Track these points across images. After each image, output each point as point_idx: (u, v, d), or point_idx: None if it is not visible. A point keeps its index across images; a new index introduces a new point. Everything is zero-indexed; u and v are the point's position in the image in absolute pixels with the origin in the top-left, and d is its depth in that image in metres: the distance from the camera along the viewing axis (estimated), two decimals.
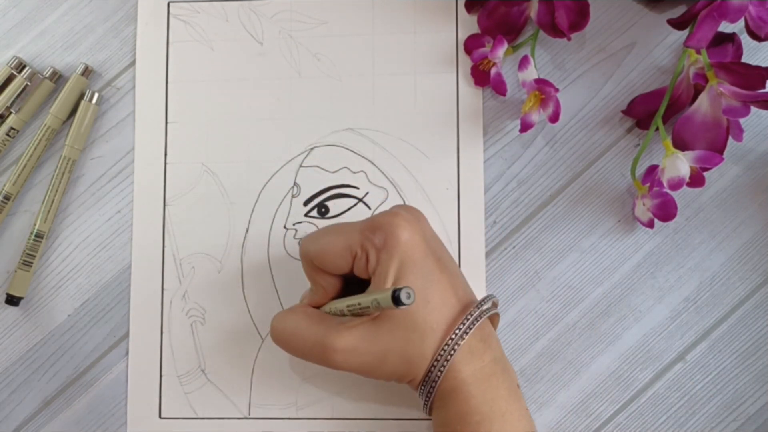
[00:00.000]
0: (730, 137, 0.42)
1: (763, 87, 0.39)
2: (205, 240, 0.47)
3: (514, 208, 0.46)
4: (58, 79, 0.48)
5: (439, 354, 0.37)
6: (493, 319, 0.40)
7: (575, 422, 0.45)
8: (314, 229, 0.46)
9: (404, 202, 0.46)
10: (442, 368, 0.36)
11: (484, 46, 0.45)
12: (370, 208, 0.46)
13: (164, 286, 0.47)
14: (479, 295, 0.45)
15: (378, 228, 0.37)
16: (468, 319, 0.37)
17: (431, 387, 0.37)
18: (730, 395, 0.44)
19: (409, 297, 0.33)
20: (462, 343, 0.36)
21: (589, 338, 0.45)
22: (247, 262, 0.46)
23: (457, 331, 0.37)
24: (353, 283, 0.40)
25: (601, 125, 0.46)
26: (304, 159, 0.47)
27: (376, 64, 0.47)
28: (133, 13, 0.49)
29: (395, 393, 0.45)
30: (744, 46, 0.43)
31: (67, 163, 0.47)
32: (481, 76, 0.46)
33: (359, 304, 0.37)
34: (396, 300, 0.33)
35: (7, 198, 0.47)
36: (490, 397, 0.37)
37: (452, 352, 0.36)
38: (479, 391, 0.37)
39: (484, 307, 0.38)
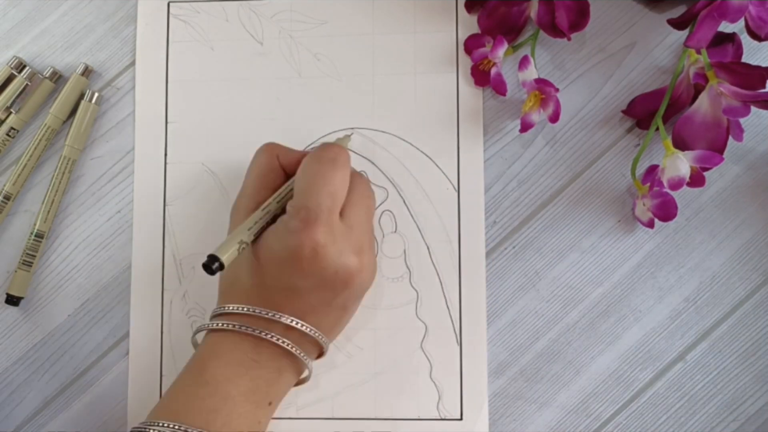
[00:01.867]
0: (730, 137, 0.42)
1: (763, 87, 0.39)
2: (205, 240, 0.47)
3: (514, 208, 0.46)
4: (58, 79, 0.48)
5: None
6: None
7: (575, 422, 0.44)
8: None
9: (404, 202, 0.46)
10: None
11: (484, 46, 0.45)
12: None
13: (164, 286, 0.47)
14: (479, 296, 0.45)
15: (301, 211, 0.38)
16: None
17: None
18: (730, 395, 0.44)
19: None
20: None
21: (589, 338, 0.45)
22: None
23: None
24: None
25: (601, 125, 0.46)
26: None
27: (376, 64, 0.47)
28: (133, 13, 0.49)
29: (395, 393, 0.45)
30: (744, 46, 0.43)
31: (67, 163, 0.47)
32: (482, 76, 0.46)
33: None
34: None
35: (7, 198, 0.47)
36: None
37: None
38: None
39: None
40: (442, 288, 0.45)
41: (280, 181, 0.42)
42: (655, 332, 0.45)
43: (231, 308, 0.39)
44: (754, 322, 0.44)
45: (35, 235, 0.47)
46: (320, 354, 0.41)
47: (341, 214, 0.39)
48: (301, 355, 0.39)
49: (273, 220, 0.40)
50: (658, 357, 0.45)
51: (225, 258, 0.37)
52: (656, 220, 0.43)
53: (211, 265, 0.37)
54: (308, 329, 0.39)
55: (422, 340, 0.45)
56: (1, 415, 0.47)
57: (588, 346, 0.45)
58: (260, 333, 0.38)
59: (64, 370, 0.47)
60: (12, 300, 0.47)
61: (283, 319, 0.38)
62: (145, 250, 0.47)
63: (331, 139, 0.47)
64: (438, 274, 0.45)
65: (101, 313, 0.47)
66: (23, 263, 0.47)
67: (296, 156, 0.42)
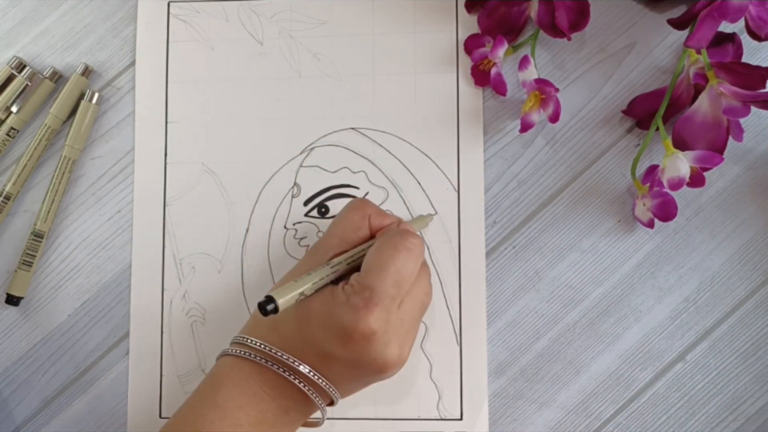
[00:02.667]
0: (730, 137, 0.42)
1: (763, 87, 0.39)
2: (205, 240, 0.47)
3: (515, 208, 0.46)
4: (58, 79, 0.48)
5: None
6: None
7: (575, 422, 0.44)
8: (314, 228, 0.46)
9: (404, 202, 0.46)
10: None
11: (484, 46, 0.45)
12: None
13: (164, 286, 0.47)
14: (479, 296, 0.45)
15: (365, 290, 0.38)
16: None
17: None
18: (730, 395, 0.44)
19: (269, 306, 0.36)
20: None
21: (590, 338, 0.45)
22: (247, 262, 0.46)
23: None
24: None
25: (601, 125, 0.46)
26: (304, 159, 0.47)
27: (376, 64, 0.47)
28: (133, 13, 0.49)
29: (395, 393, 0.45)
30: (744, 46, 0.43)
31: (67, 163, 0.47)
32: (482, 76, 0.46)
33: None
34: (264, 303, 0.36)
35: (7, 198, 0.47)
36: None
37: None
38: None
39: None
40: (442, 288, 0.45)
41: (363, 240, 0.41)
42: (655, 332, 0.45)
43: (255, 343, 0.39)
44: (754, 322, 0.44)
45: (35, 235, 0.47)
46: (330, 403, 0.41)
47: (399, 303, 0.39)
48: (318, 400, 0.39)
49: (337, 278, 0.39)
50: (658, 357, 0.45)
51: (281, 303, 0.36)
52: (656, 220, 0.43)
53: (266, 306, 0.36)
54: (325, 384, 0.39)
55: (422, 340, 0.45)
56: (1, 415, 0.47)
57: (588, 346, 0.45)
58: (283, 372, 0.38)
59: (64, 370, 0.47)
60: (12, 300, 0.47)
61: (301, 368, 0.38)
62: (145, 250, 0.47)
63: (331, 138, 0.47)
64: (438, 274, 0.45)
65: (101, 313, 0.47)
66: (23, 263, 0.47)
67: (384, 222, 0.42)
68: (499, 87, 0.44)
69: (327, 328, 0.38)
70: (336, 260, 0.39)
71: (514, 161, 0.46)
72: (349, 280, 0.39)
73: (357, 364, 0.38)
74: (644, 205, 0.43)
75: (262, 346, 0.39)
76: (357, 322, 0.37)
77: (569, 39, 0.43)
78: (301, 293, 0.37)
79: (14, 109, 0.47)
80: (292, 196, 0.47)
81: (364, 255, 0.40)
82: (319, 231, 0.46)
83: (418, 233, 0.44)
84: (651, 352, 0.45)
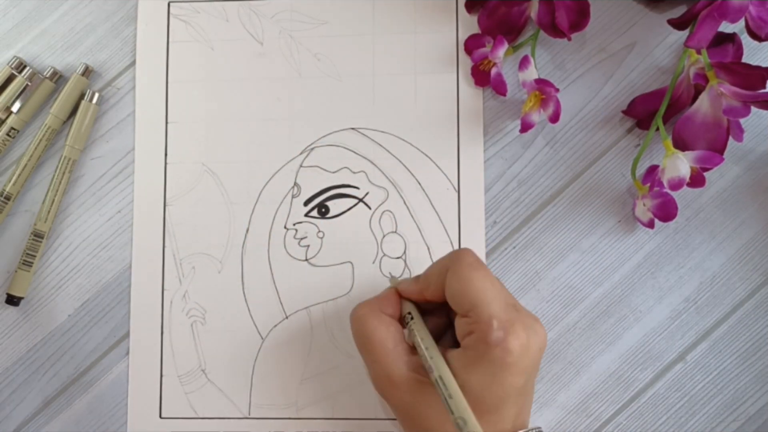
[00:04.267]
0: (730, 137, 0.42)
1: (764, 87, 0.39)
2: (205, 240, 0.47)
3: (515, 208, 0.46)
4: (58, 79, 0.48)
5: None
6: None
7: (575, 422, 0.44)
8: (314, 229, 0.46)
9: (404, 202, 0.46)
10: None
11: (484, 46, 0.45)
12: (370, 208, 0.46)
13: (164, 286, 0.47)
14: None
15: (505, 329, 0.35)
16: None
17: None
18: (731, 395, 0.44)
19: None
20: None
21: (590, 338, 0.45)
22: (247, 262, 0.46)
23: None
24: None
25: (601, 125, 0.46)
26: (304, 159, 0.47)
27: (376, 64, 0.47)
28: (133, 13, 0.49)
29: None
30: (744, 46, 0.43)
31: (67, 163, 0.47)
32: (482, 76, 0.46)
33: (433, 370, 0.36)
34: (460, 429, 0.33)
35: (7, 198, 0.47)
36: None
37: None
38: None
39: None
40: None
41: (398, 330, 0.39)
42: (656, 332, 0.45)
43: None
44: (754, 322, 0.44)
45: (35, 235, 0.47)
46: None
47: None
48: None
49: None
50: (658, 357, 0.45)
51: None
52: (656, 220, 0.43)
53: None
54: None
55: None
56: (1, 415, 0.47)
57: (588, 346, 0.45)
58: None
59: (64, 370, 0.47)
60: (12, 300, 0.47)
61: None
62: (145, 250, 0.47)
63: (331, 138, 0.47)
64: None
65: (101, 313, 0.47)
66: (23, 263, 0.47)
67: (390, 298, 0.40)
68: (499, 87, 0.44)
69: (490, 384, 0.35)
70: (426, 360, 0.36)
71: (514, 161, 0.46)
72: (460, 338, 0.36)
73: (532, 371, 0.37)
74: (644, 205, 0.43)
75: None
76: (510, 348, 0.35)
77: (569, 39, 0.43)
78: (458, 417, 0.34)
79: (14, 109, 0.47)
80: (292, 196, 0.47)
81: (421, 327, 0.38)
82: (319, 231, 0.46)
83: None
84: (651, 352, 0.45)
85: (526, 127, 0.44)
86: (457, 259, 0.38)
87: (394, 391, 0.37)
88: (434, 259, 0.45)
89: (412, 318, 0.39)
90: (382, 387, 0.38)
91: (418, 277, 0.40)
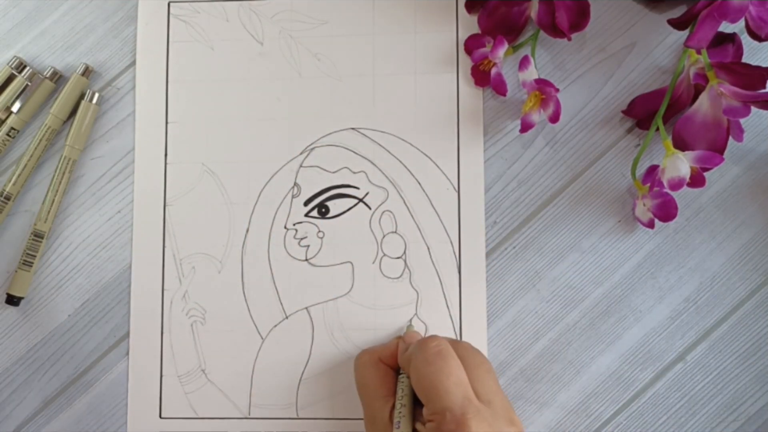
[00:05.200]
0: (730, 137, 0.42)
1: (764, 87, 0.39)
2: (205, 240, 0.47)
3: (515, 208, 0.46)
4: (58, 79, 0.48)
5: None
6: None
7: (575, 422, 0.44)
8: (314, 229, 0.46)
9: (404, 202, 0.46)
10: None
11: (484, 46, 0.45)
12: (370, 208, 0.46)
13: (164, 286, 0.47)
14: (479, 296, 0.45)
15: (458, 422, 0.36)
16: None
17: None
18: (731, 395, 0.44)
19: None
20: None
21: (590, 338, 0.45)
22: (247, 262, 0.46)
23: None
24: None
25: (601, 125, 0.46)
26: (304, 159, 0.47)
27: (376, 64, 0.47)
28: (133, 13, 0.49)
29: None
30: (744, 46, 0.43)
31: (67, 163, 0.47)
32: (482, 76, 0.46)
33: (398, 428, 0.38)
34: None
35: (7, 198, 0.47)
36: None
37: None
38: None
39: None
40: (442, 288, 0.45)
41: (393, 378, 0.41)
42: (656, 332, 0.45)
43: None
44: (754, 323, 0.44)
45: (35, 235, 0.47)
46: None
47: (477, 394, 0.38)
48: None
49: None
50: (658, 357, 0.45)
51: None
52: (656, 220, 0.43)
53: None
54: None
55: None
56: (1, 415, 0.47)
57: (588, 346, 0.45)
58: None
59: (64, 370, 0.47)
60: (12, 300, 0.47)
61: None
62: (145, 250, 0.47)
63: (331, 138, 0.47)
64: (438, 274, 0.45)
65: (101, 313, 0.47)
66: (23, 263, 0.47)
67: (392, 349, 0.42)
68: (499, 87, 0.44)
69: None
70: (396, 416, 0.39)
71: (514, 161, 0.46)
72: (424, 421, 0.38)
73: None
74: (644, 205, 0.43)
75: None
76: None
77: (569, 39, 0.43)
78: None
79: (14, 109, 0.47)
80: (292, 196, 0.47)
81: (407, 386, 0.40)
82: (319, 231, 0.46)
83: (420, 334, 0.44)
84: (651, 352, 0.45)
85: (526, 127, 0.44)
86: (418, 351, 0.39)
87: (370, 427, 0.40)
88: (434, 259, 0.45)
89: (401, 374, 0.41)
90: (367, 426, 0.41)
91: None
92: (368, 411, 0.41)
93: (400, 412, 0.39)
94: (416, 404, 0.39)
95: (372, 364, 0.42)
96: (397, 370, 0.42)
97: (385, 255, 0.46)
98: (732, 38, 0.43)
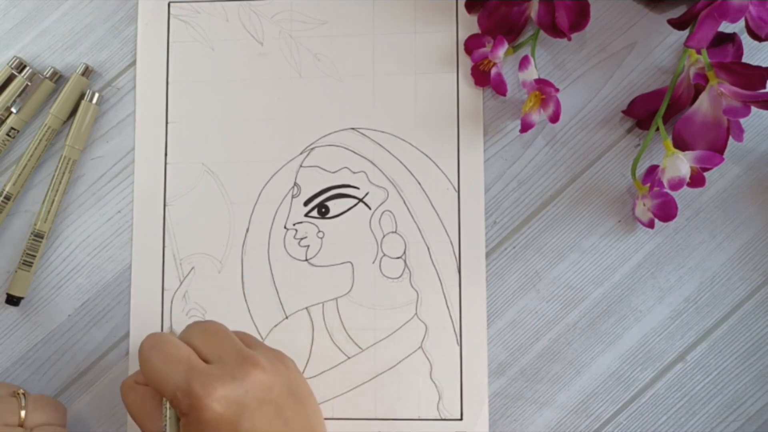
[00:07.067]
0: (730, 137, 0.42)
1: (764, 87, 0.39)
2: (205, 240, 0.47)
3: (515, 208, 0.46)
4: (58, 79, 0.48)
5: None
6: None
7: (575, 422, 0.44)
8: (314, 229, 0.46)
9: (404, 202, 0.46)
10: None
11: (484, 46, 0.45)
12: (370, 208, 0.46)
13: (164, 286, 0.47)
14: (479, 296, 0.45)
15: (188, 394, 0.36)
16: None
17: None
18: (731, 395, 0.44)
19: None
20: None
21: (590, 338, 0.45)
22: (247, 262, 0.46)
23: None
24: None
25: (601, 125, 0.46)
26: (304, 159, 0.47)
27: (376, 64, 0.47)
28: (133, 13, 0.49)
29: (395, 393, 0.45)
30: (744, 46, 0.43)
31: (67, 163, 0.47)
32: (482, 76, 0.46)
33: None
34: None
35: (7, 198, 0.47)
36: None
37: None
38: None
39: None
40: (442, 288, 0.45)
41: (156, 397, 0.40)
42: (656, 332, 0.45)
43: None
44: (754, 323, 0.44)
45: (35, 235, 0.47)
46: None
47: (206, 361, 0.38)
48: None
49: None
50: (658, 357, 0.45)
51: None
52: (656, 220, 0.43)
53: None
54: None
55: (422, 340, 0.45)
56: None
57: (588, 346, 0.45)
58: None
59: (64, 370, 0.47)
60: (12, 300, 0.47)
61: None
62: (145, 250, 0.47)
63: (331, 138, 0.47)
64: (438, 274, 0.45)
65: (101, 313, 0.47)
66: (23, 263, 0.47)
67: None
68: (499, 87, 0.44)
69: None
70: (164, 420, 0.38)
71: (514, 161, 0.46)
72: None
73: (264, 408, 0.37)
74: (644, 205, 0.43)
75: None
76: (204, 406, 0.35)
77: (569, 39, 0.43)
78: None
79: (14, 109, 0.47)
80: (292, 196, 0.47)
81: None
82: (319, 231, 0.46)
83: None
84: (651, 352, 0.45)
85: (526, 127, 0.44)
86: (138, 356, 0.39)
87: None
88: (434, 260, 0.45)
89: None
90: None
91: None
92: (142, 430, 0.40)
93: (167, 417, 0.38)
94: None
95: (129, 389, 0.40)
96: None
97: (385, 255, 0.46)
98: (732, 38, 0.43)
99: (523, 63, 0.43)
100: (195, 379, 0.36)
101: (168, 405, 0.38)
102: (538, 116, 0.44)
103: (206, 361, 0.38)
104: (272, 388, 0.37)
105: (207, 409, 0.35)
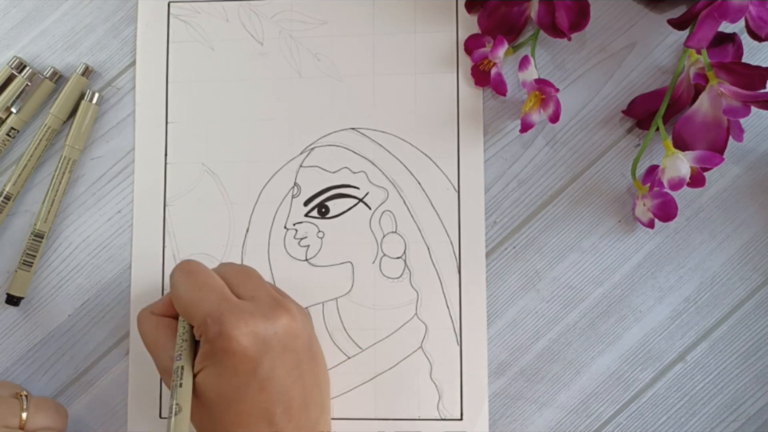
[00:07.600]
0: (730, 137, 0.42)
1: (764, 87, 0.39)
2: (205, 240, 0.47)
3: (515, 208, 0.46)
4: (58, 79, 0.48)
5: None
6: None
7: (575, 422, 0.44)
8: (314, 229, 0.46)
9: (404, 202, 0.46)
10: None
11: (484, 46, 0.45)
12: (370, 208, 0.46)
13: (164, 286, 0.47)
14: (479, 296, 0.45)
15: (219, 321, 0.36)
16: None
17: None
18: (731, 395, 0.44)
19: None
20: None
21: (590, 338, 0.45)
22: (247, 262, 0.46)
23: None
24: None
25: (601, 125, 0.46)
26: (304, 159, 0.47)
27: (376, 64, 0.47)
28: (133, 13, 0.49)
29: (395, 393, 0.45)
30: (744, 46, 0.43)
31: (67, 163, 0.47)
32: (482, 76, 0.46)
33: (179, 360, 0.38)
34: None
35: (7, 198, 0.47)
36: None
37: None
38: None
39: None
40: (442, 288, 0.45)
41: (171, 327, 0.41)
42: (656, 332, 0.45)
43: None
44: (754, 323, 0.44)
45: (35, 235, 0.47)
46: None
47: (238, 296, 0.38)
48: None
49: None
50: (658, 357, 0.45)
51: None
52: (656, 220, 0.43)
53: None
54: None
55: (422, 340, 0.45)
56: None
57: (588, 347, 0.45)
58: None
59: (64, 370, 0.47)
60: (12, 300, 0.47)
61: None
62: (145, 250, 0.47)
63: (331, 138, 0.47)
64: (438, 274, 0.45)
65: (101, 313, 0.47)
66: (23, 263, 0.47)
67: (164, 300, 0.41)
68: (499, 87, 0.44)
69: (228, 378, 0.37)
70: (177, 349, 0.38)
71: (514, 161, 0.46)
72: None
73: (282, 353, 0.37)
74: (644, 205, 0.43)
75: None
76: (232, 337, 0.36)
77: (569, 39, 0.43)
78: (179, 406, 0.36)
79: (14, 109, 0.47)
80: (292, 196, 0.47)
81: (185, 330, 0.40)
82: (319, 231, 0.46)
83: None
84: (651, 352, 0.45)
85: (526, 127, 0.44)
86: (171, 278, 0.40)
87: (167, 378, 0.40)
88: (434, 260, 0.45)
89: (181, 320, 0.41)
90: (163, 378, 0.40)
91: None
92: (158, 363, 0.40)
93: (180, 346, 0.38)
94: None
95: (145, 319, 0.41)
96: (176, 318, 0.41)
97: (385, 255, 0.46)
98: (732, 38, 0.43)
99: (523, 63, 0.43)
100: (228, 309, 0.37)
101: (184, 335, 0.38)
102: (538, 116, 0.44)
103: (239, 298, 0.38)
104: (298, 337, 0.38)
105: (234, 340, 0.36)
